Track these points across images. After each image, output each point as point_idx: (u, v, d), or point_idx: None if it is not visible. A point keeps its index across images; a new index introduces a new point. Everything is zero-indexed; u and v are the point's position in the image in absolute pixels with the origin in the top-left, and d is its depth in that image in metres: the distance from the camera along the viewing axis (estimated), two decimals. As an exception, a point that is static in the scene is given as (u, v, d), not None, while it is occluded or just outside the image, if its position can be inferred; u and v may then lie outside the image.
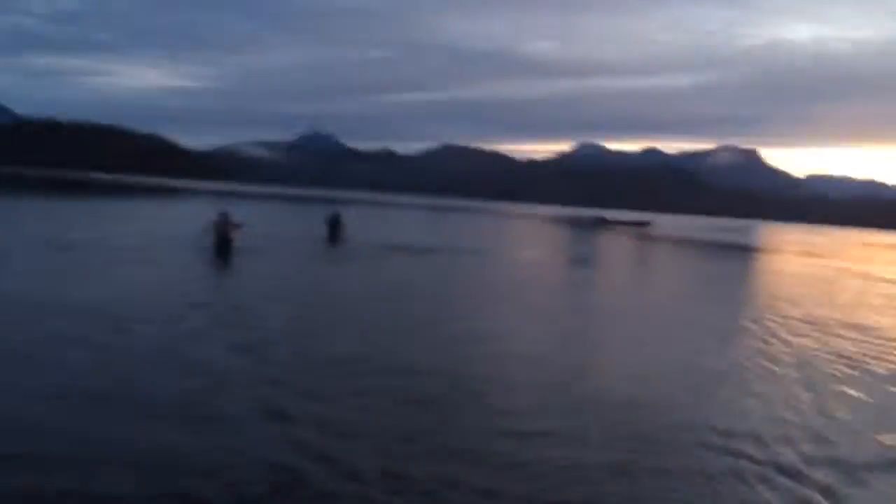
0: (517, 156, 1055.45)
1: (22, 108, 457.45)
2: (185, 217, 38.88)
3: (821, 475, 6.14)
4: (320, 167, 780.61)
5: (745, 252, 46.74)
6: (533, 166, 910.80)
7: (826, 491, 5.84)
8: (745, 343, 12.33)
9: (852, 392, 9.19)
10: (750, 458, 6.40)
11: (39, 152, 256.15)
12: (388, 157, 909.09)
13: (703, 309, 16.42)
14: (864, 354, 11.88)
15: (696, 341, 12.37)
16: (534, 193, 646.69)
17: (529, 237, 48.27)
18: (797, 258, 42.51)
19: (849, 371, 10.46)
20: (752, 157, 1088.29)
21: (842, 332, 14.05)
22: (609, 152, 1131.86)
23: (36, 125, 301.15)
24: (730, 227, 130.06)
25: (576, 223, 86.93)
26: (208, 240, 20.34)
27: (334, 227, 28.22)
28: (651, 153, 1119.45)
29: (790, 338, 12.89)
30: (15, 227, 24.41)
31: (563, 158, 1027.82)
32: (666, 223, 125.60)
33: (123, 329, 9.83)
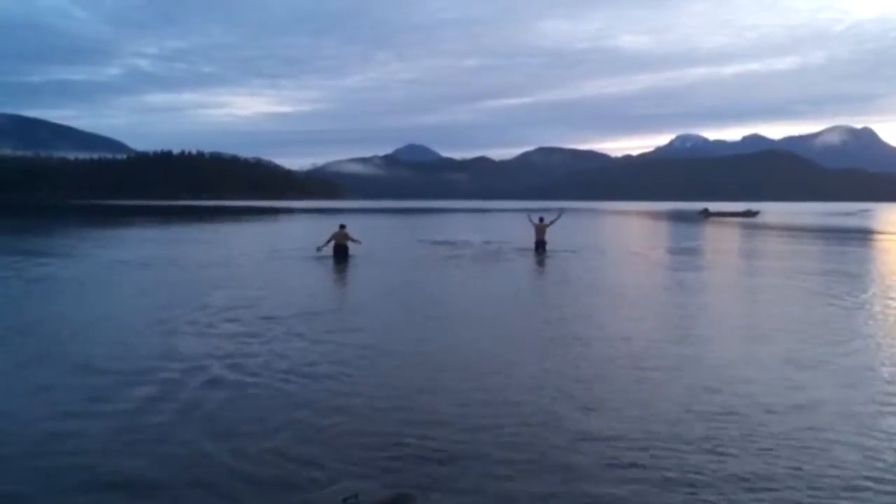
0: (612, 153, 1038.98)
1: (138, 144, 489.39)
2: (297, 233, 41.68)
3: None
4: (417, 179, 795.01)
5: (877, 238, 44.62)
6: (630, 162, 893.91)
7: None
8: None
9: None
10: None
11: (153, 184, 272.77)
12: (484, 164, 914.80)
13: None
14: None
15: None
16: (632, 189, 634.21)
17: (635, 234, 47.96)
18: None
19: None
20: (866, 135, 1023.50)
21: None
22: (708, 142, 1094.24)
23: (150, 158, 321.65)
24: (847, 212, 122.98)
25: (678, 217, 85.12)
26: (328, 249, 23.49)
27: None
28: (753, 139, 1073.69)
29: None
30: (168, 249, 27.05)
31: (659, 152, 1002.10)
32: (775, 211, 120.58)
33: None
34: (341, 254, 23.14)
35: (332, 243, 23.30)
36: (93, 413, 7.03)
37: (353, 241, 23.66)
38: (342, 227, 23.90)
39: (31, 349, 9.82)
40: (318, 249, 23.51)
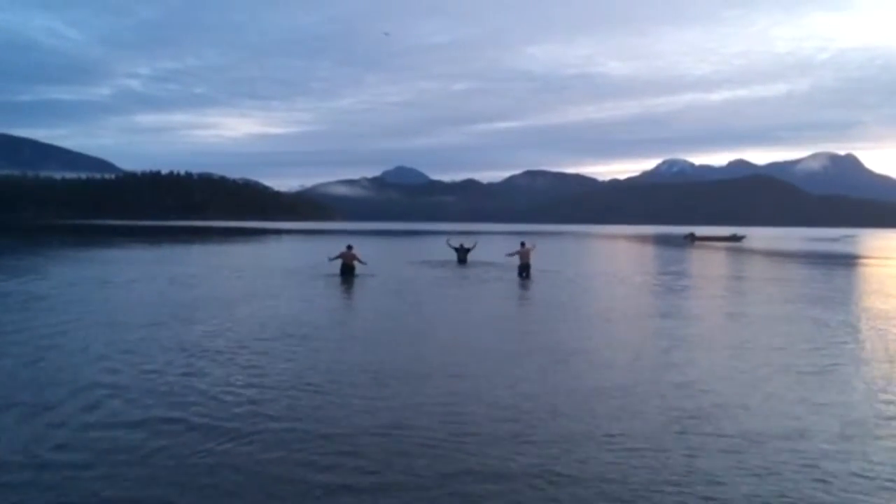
0: (599, 177, 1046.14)
1: (127, 164, 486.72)
2: (296, 254, 41.81)
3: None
4: (406, 201, 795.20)
5: (865, 263, 45.03)
6: (616, 186, 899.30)
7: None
8: None
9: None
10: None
11: (141, 204, 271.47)
12: (472, 187, 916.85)
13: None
14: None
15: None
16: (618, 213, 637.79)
17: (621, 258, 48.18)
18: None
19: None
20: (849, 161, 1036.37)
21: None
22: (694, 167, 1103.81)
23: (138, 178, 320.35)
24: (831, 237, 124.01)
25: (664, 241, 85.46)
26: (335, 267, 24.91)
27: (461, 252, 32.72)
28: (738, 165, 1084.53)
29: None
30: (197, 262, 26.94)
31: (646, 176, 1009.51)
32: (760, 236, 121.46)
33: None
34: (347, 272, 24.34)
35: (340, 261, 24.54)
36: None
37: (359, 261, 24.90)
38: (349, 247, 25.01)
39: None
40: (330, 259, 25.18)
